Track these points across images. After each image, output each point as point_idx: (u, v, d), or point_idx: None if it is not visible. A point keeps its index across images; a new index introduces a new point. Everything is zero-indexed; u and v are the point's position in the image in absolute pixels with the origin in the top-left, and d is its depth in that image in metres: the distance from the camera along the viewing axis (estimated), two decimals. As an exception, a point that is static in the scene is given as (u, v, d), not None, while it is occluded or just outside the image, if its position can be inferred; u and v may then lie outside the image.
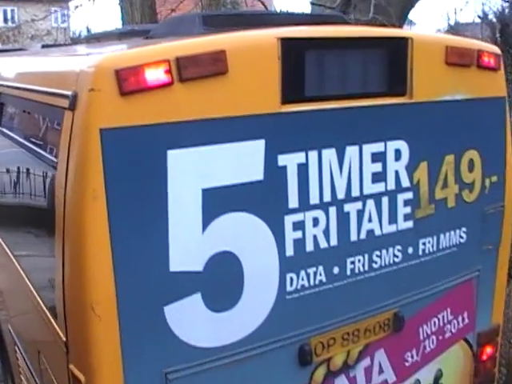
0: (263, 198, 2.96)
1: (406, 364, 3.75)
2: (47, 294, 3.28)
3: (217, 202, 2.84)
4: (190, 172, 2.76)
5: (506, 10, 17.10)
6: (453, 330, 3.95)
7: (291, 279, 3.11)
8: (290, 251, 3.07)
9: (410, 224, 3.49)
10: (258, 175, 2.93)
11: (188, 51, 2.70)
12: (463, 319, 3.99)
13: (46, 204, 3.35)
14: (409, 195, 3.46)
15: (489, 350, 4.21)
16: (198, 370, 2.93)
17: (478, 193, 3.80)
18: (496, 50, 3.78)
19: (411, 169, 3.43)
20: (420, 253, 3.58)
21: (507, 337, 5.14)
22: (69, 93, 2.73)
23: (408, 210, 3.47)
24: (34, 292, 3.63)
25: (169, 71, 2.64)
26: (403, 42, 3.30)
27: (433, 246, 3.64)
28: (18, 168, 4.13)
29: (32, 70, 4.08)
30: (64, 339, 2.92)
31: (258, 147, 2.90)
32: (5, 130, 4.45)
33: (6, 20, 48.43)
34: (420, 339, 3.76)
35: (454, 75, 3.54)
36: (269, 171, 2.95)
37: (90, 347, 2.71)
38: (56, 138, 2.96)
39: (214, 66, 2.72)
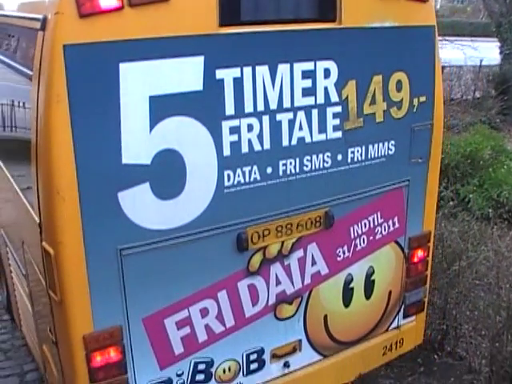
0: (203, 106, 3.58)
1: (338, 259, 4.41)
2: (27, 191, 3.96)
3: (162, 107, 3.45)
4: (139, 81, 3.37)
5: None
6: (383, 233, 4.59)
7: (228, 175, 3.75)
8: (227, 152, 3.71)
9: (338, 134, 4.10)
10: (198, 86, 3.54)
11: None
12: (394, 223, 4.63)
13: (23, 108, 4.01)
14: (337, 109, 4.06)
15: (420, 253, 4.86)
16: (148, 249, 3.61)
17: (406, 110, 4.38)
18: None
19: (340, 86, 4.02)
20: (349, 160, 4.20)
21: (509, 281, 5.64)
22: (40, 16, 3.35)
23: (337, 121, 4.07)
24: (19, 191, 4.33)
25: None
26: (333, -26, 3.86)
27: (361, 155, 4.25)
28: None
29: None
30: (38, 221, 3.61)
31: (197, 62, 3.51)
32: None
33: None
34: (351, 237, 4.41)
35: (383, 5, 4.08)
36: (207, 83, 3.56)
37: (56, 225, 3.38)
38: (31, 54, 3.59)
39: None
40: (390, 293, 4.82)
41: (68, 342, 3.61)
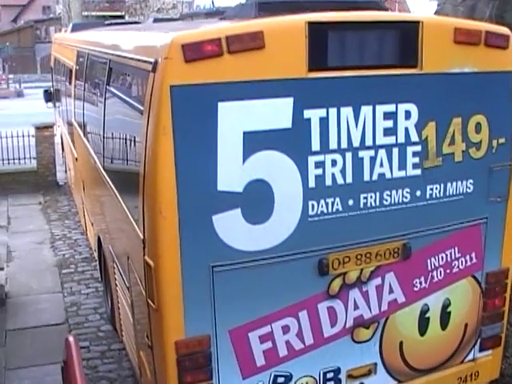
0: (291, 142, 4.03)
1: (415, 289, 4.69)
2: (134, 210, 4.52)
3: (254, 141, 3.93)
4: (235, 119, 3.87)
5: None
6: (460, 267, 4.84)
7: (312, 205, 4.16)
8: (312, 184, 4.13)
9: (418, 172, 4.43)
10: (288, 124, 3.99)
11: (235, 31, 3.81)
12: (471, 258, 4.87)
13: (134, 138, 4.60)
14: (417, 148, 4.40)
15: (497, 288, 5.05)
16: (237, 267, 4.06)
17: (485, 151, 4.65)
18: (505, 31, 4.61)
19: (420, 127, 4.36)
20: (427, 196, 4.51)
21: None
22: (152, 60, 3.92)
23: (416, 160, 4.41)
24: (126, 210, 4.91)
25: (219, 46, 3.76)
26: (415, 24, 4.23)
27: (439, 192, 4.55)
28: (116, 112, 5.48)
29: (131, 41, 5.35)
30: (142, 237, 4.15)
31: (287, 103, 3.97)
32: (112, 89, 5.77)
33: None
34: (428, 269, 4.69)
35: (462, 52, 4.41)
36: (296, 121, 4.01)
37: (157, 240, 3.91)
38: (142, 91, 4.17)
39: (253, 42, 3.81)
40: (466, 325, 5.03)
41: (162, 346, 4.10)
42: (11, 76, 38.59)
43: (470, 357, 5.15)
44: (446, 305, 4.88)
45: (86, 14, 50.47)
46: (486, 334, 5.14)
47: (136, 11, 36.27)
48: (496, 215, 4.86)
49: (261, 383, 4.36)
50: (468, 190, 4.67)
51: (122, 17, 43.39)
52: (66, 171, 14.10)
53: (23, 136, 14.17)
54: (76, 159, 9.85)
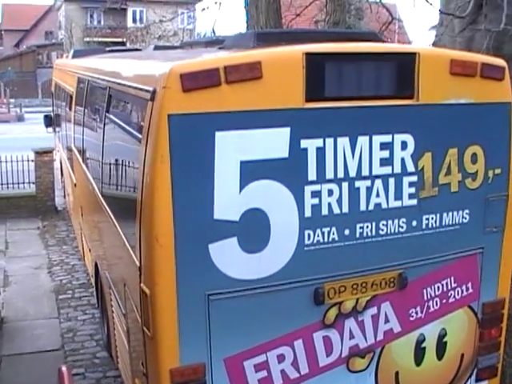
0: (288, 171, 4.07)
1: (411, 318, 4.71)
2: (131, 237, 4.55)
3: (251, 171, 3.97)
4: (232, 148, 3.92)
5: None
6: (456, 297, 4.86)
7: (309, 235, 4.20)
8: (308, 213, 4.16)
9: (414, 202, 4.47)
10: (284, 153, 4.04)
11: (233, 62, 3.88)
12: (467, 288, 4.89)
13: (132, 165, 4.65)
14: (413, 178, 4.44)
15: (494, 318, 5.07)
16: (233, 296, 4.08)
17: (481, 182, 4.70)
18: (501, 62, 4.68)
19: (416, 157, 4.42)
20: (423, 226, 4.55)
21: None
22: (150, 88, 3.98)
23: (412, 190, 4.45)
24: (123, 237, 4.94)
25: (218, 76, 3.82)
26: (411, 56, 4.30)
27: (436, 222, 4.59)
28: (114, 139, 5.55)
29: (130, 69, 5.43)
30: (138, 265, 4.18)
31: (284, 133, 4.02)
32: (111, 116, 5.83)
33: (134, 20, 51.58)
34: (424, 299, 4.71)
35: (459, 83, 4.48)
36: (293, 151, 4.05)
37: (153, 268, 3.93)
38: (140, 119, 4.22)
39: (251, 72, 3.87)
40: (463, 356, 5.04)
41: (156, 374, 4.11)
42: (12, 100, 38.84)
43: (466, 387, 5.16)
44: (442, 335, 4.89)
45: (87, 39, 51.36)
46: (483, 364, 5.14)
47: (137, 38, 36.65)
48: (492, 245, 4.89)
49: None
50: (464, 220, 4.71)
51: (123, 43, 43.74)
52: (64, 196, 14.18)
53: (22, 161, 14.24)
54: (75, 185, 9.90)
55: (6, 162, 14.26)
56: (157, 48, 7.92)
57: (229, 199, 3.96)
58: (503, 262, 4.99)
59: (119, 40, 46.65)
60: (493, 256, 4.92)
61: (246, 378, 4.26)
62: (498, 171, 4.76)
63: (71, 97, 9.97)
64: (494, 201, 4.79)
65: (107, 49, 11.80)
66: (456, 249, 4.74)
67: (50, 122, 15.30)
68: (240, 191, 3.97)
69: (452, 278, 4.80)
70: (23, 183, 14.51)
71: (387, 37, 14.61)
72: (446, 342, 4.92)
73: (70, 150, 10.44)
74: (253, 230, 4.06)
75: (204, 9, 16.62)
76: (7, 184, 14.45)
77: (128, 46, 37.11)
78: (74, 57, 12.32)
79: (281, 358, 4.33)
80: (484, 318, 5.03)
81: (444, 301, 4.81)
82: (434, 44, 7.99)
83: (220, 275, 4.03)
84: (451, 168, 4.56)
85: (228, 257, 4.03)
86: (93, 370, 7.09)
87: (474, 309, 4.98)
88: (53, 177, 14.18)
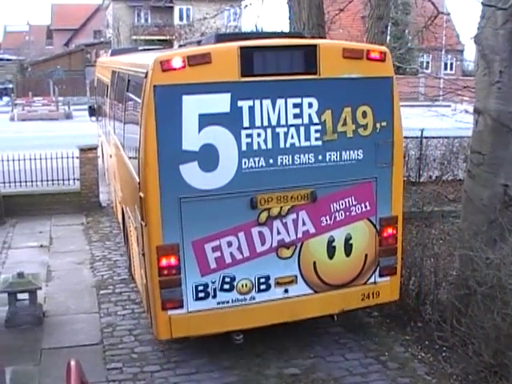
0: (229, 120, 6.79)
1: (322, 224, 7.32)
2: (135, 166, 7.32)
3: (205, 120, 6.71)
4: (193, 106, 6.66)
5: None
6: (357, 211, 7.44)
7: (245, 162, 6.89)
8: (244, 148, 6.87)
9: (319, 143, 7.12)
10: (227, 109, 6.77)
11: (193, 53, 6.66)
12: (366, 206, 7.46)
13: (137, 119, 7.52)
14: (318, 127, 7.09)
15: (389, 230, 7.63)
16: (196, 200, 6.82)
17: (371, 131, 7.28)
18: (383, 49, 7.30)
19: (319, 113, 7.06)
20: (327, 160, 7.17)
21: None
22: (144, 70, 6.81)
23: (318, 135, 7.10)
24: (132, 169, 7.77)
25: (184, 61, 6.59)
26: (314, 47, 7.00)
27: (336, 157, 7.20)
28: (130, 106, 8.46)
29: (138, 61, 8.37)
30: (138, 180, 6.99)
31: (227, 96, 6.75)
32: (129, 93, 8.74)
33: (181, 18, 53.25)
34: (331, 211, 7.32)
35: (350, 64, 7.11)
36: (233, 108, 6.77)
37: (145, 179, 6.71)
38: (140, 88, 7.07)
39: (204, 59, 6.63)
40: (367, 255, 7.59)
41: (148, 249, 6.88)
42: (61, 98, 39.97)
43: (372, 280, 7.70)
44: (348, 238, 7.47)
45: (134, 37, 53.51)
46: (383, 264, 7.69)
47: (181, 36, 39.04)
48: (384, 176, 7.46)
49: (213, 280, 7.07)
50: (359, 157, 7.31)
51: (170, 41, 46.49)
52: (104, 168, 16.31)
53: (67, 157, 14.90)
54: (110, 156, 12.91)
55: (52, 159, 14.96)
56: (180, 46, 10.90)
57: (191, 137, 6.71)
58: (394, 189, 7.55)
59: (166, 38, 49.10)
60: (385, 184, 7.48)
61: (206, 255, 6.97)
62: (384, 124, 7.33)
63: (107, 87, 12.95)
64: (382, 144, 7.37)
65: (140, 48, 14.84)
66: (354, 176, 7.33)
67: (93, 112, 18.46)
68: (199, 132, 6.72)
69: (353, 197, 7.39)
70: (68, 180, 15.26)
71: (433, 31, 15.58)
72: (351, 244, 7.48)
73: (106, 128, 13.42)
74: (207, 157, 6.78)
75: (247, 5, 18.28)
76: (52, 180, 15.22)
77: (175, 44, 39.32)
78: (111, 55, 15.42)
79: (229, 244, 7.02)
80: (381, 229, 7.59)
81: (347, 213, 7.40)
82: (476, 36, 8.35)
83: (187, 186, 6.76)
84: (347, 121, 7.17)
85: (192, 174, 6.76)
86: (130, 364, 7.61)
87: (373, 221, 7.55)
88: (97, 173, 14.85)
